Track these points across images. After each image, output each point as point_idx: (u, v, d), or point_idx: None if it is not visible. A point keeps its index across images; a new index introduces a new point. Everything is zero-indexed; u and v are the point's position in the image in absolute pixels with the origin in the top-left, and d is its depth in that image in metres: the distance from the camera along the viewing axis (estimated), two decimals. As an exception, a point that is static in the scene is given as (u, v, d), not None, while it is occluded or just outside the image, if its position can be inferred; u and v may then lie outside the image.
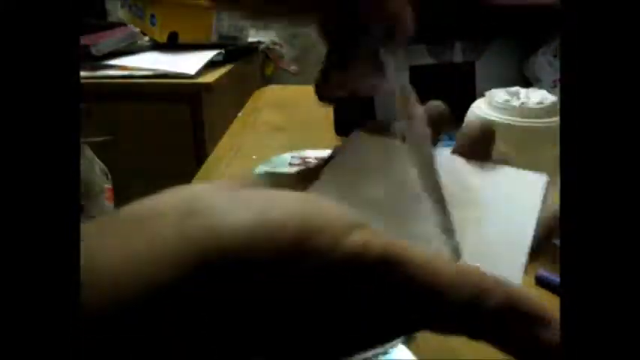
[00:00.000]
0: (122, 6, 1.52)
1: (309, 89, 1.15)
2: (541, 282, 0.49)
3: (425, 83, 0.79)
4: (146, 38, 1.47)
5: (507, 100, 0.54)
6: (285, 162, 0.75)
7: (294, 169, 0.72)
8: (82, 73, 1.27)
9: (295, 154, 0.78)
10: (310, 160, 0.76)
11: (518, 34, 0.80)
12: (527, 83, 0.77)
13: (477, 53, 0.80)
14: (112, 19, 1.61)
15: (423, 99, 0.86)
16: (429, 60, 0.79)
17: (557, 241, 0.56)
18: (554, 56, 0.76)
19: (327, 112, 0.88)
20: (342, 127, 0.87)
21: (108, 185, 0.62)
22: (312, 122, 0.93)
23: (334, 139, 0.85)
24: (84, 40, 1.32)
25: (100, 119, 1.27)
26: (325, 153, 0.82)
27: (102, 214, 0.61)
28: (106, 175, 0.63)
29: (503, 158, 0.46)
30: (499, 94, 0.55)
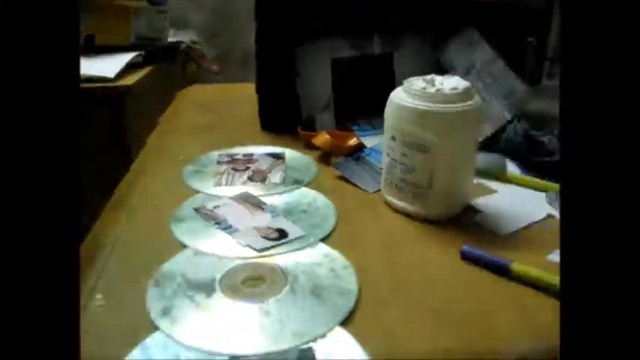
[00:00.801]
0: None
1: (233, 87, 1.16)
2: (466, 256, 0.52)
3: (347, 74, 0.81)
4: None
5: (424, 88, 0.56)
6: (213, 160, 0.75)
7: (222, 168, 0.72)
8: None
9: (223, 152, 0.78)
10: (239, 157, 0.76)
11: (430, 26, 0.83)
12: (442, 71, 0.80)
13: (395, 45, 0.83)
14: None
15: (345, 90, 0.88)
16: (350, 52, 0.81)
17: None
18: (468, 44, 0.79)
19: (252, 109, 0.88)
20: (268, 122, 0.88)
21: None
22: (237, 120, 0.93)
23: (261, 136, 0.86)
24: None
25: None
26: (252, 149, 0.83)
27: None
28: None
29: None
30: (416, 82, 0.58)
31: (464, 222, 0.59)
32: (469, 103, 0.56)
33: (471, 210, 0.61)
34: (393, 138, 0.59)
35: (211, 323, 0.44)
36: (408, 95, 0.57)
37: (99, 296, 0.48)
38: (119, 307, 0.47)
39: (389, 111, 0.59)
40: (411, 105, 0.56)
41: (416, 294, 0.48)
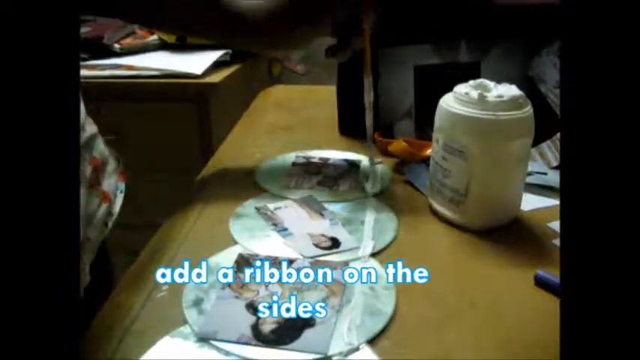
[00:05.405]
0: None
1: (315, 89, 1.16)
2: (540, 282, 0.49)
3: (430, 83, 0.79)
4: (154, 37, 1.48)
5: (467, 93, 0.56)
6: (289, 161, 0.75)
7: (295, 169, 0.72)
8: (92, 73, 1.28)
9: (300, 153, 0.78)
10: (314, 160, 0.76)
11: (524, 34, 0.80)
12: (531, 83, 0.76)
13: (483, 53, 0.80)
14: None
15: (428, 98, 0.87)
16: (434, 59, 0.79)
17: (556, 242, 0.55)
18: (559, 57, 0.75)
19: (331, 112, 0.88)
20: (347, 127, 0.87)
21: (120, 168, 0.66)
22: (317, 122, 0.93)
23: (339, 140, 0.85)
24: (90, 34, 1.38)
25: (109, 118, 1.28)
26: (330, 154, 0.82)
27: (114, 191, 0.65)
28: (118, 160, 0.67)
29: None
30: (463, 88, 0.57)
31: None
32: (514, 112, 0.54)
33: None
34: (437, 141, 0.59)
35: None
36: (454, 99, 0.57)
37: (164, 287, 0.49)
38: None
39: (437, 114, 0.59)
40: (452, 109, 0.56)
41: (469, 317, 0.46)
